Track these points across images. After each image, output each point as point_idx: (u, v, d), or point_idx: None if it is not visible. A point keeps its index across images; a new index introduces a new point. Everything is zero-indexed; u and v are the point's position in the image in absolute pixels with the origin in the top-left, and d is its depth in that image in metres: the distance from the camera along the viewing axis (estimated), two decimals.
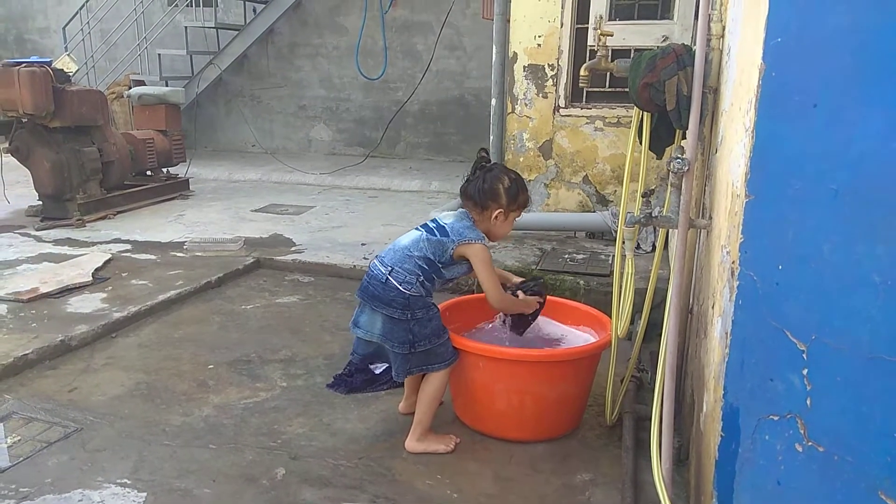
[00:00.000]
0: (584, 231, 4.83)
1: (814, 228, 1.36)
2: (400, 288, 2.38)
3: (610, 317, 2.64)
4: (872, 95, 1.26)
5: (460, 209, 2.55)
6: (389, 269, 2.42)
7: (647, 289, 2.59)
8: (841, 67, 1.30)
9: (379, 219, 6.07)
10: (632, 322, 2.77)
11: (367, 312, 2.47)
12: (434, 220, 2.52)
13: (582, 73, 2.40)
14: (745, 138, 1.55)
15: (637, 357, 2.80)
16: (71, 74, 6.08)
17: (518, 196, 2.47)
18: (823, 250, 1.34)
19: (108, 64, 10.15)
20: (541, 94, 4.85)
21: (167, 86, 8.76)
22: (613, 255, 4.30)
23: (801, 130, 1.37)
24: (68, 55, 7.73)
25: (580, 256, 4.28)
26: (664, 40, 3.64)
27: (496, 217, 2.46)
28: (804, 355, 1.40)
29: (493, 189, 2.44)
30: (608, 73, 4.72)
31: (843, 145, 1.31)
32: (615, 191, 4.85)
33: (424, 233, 2.46)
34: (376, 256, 2.53)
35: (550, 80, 4.81)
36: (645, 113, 2.29)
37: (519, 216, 2.56)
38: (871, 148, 1.27)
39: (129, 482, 2.27)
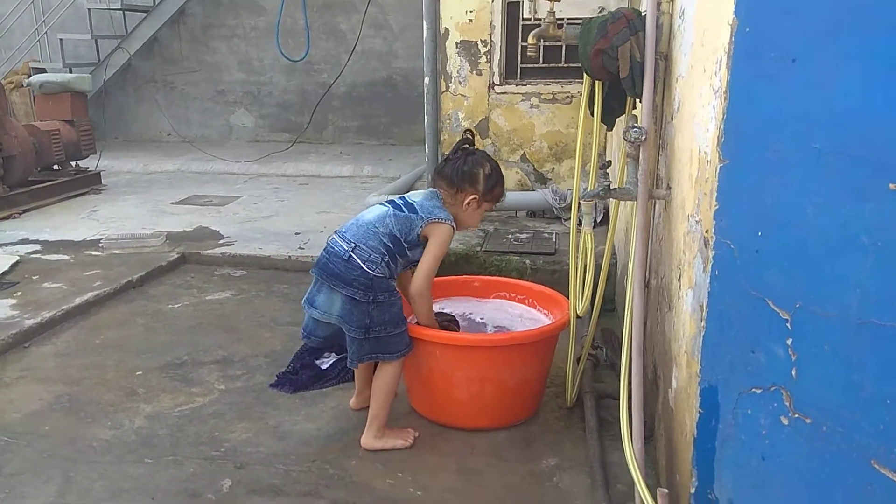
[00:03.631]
0: (524, 210, 4.77)
1: (796, 191, 1.30)
2: (364, 267, 2.22)
3: (564, 295, 2.56)
4: (854, 48, 1.20)
5: (430, 189, 2.41)
6: (353, 245, 2.25)
7: (598, 266, 2.53)
8: (820, 19, 1.23)
9: (312, 207, 5.83)
10: None
11: (325, 291, 2.28)
12: (402, 198, 2.37)
13: (530, 41, 2.28)
14: (714, 100, 1.47)
15: (592, 335, 2.74)
16: None
17: (495, 188, 2.36)
18: (807, 213, 1.28)
19: (4, 52, 9.36)
20: (475, 72, 4.73)
21: (71, 73, 8.14)
22: (556, 234, 4.26)
23: (779, 88, 1.30)
24: None
25: (523, 236, 4.21)
26: (600, 12, 3.58)
27: (468, 203, 2.34)
28: (788, 325, 1.35)
29: (472, 172, 2.32)
30: (541, 49, 4.67)
31: (824, 102, 1.24)
32: (553, 168, 4.80)
33: (391, 208, 2.31)
34: (336, 231, 2.35)
35: (484, 56, 4.69)
36: (596, 82, 2.20)
37: (490, 210, 2.45)
38: (854, 103, 1.21)
39: None
